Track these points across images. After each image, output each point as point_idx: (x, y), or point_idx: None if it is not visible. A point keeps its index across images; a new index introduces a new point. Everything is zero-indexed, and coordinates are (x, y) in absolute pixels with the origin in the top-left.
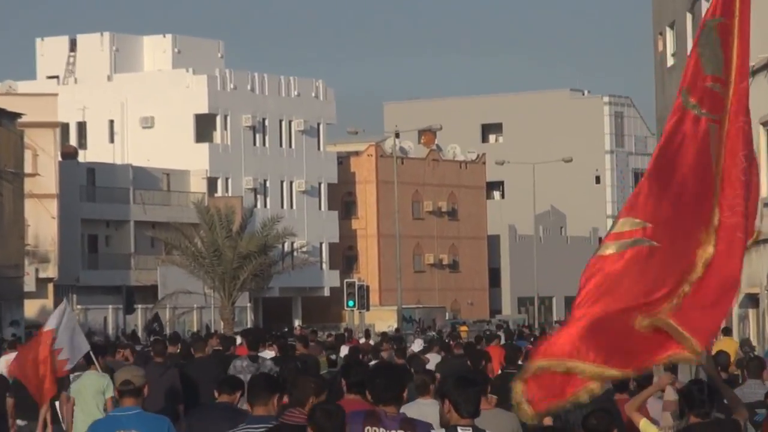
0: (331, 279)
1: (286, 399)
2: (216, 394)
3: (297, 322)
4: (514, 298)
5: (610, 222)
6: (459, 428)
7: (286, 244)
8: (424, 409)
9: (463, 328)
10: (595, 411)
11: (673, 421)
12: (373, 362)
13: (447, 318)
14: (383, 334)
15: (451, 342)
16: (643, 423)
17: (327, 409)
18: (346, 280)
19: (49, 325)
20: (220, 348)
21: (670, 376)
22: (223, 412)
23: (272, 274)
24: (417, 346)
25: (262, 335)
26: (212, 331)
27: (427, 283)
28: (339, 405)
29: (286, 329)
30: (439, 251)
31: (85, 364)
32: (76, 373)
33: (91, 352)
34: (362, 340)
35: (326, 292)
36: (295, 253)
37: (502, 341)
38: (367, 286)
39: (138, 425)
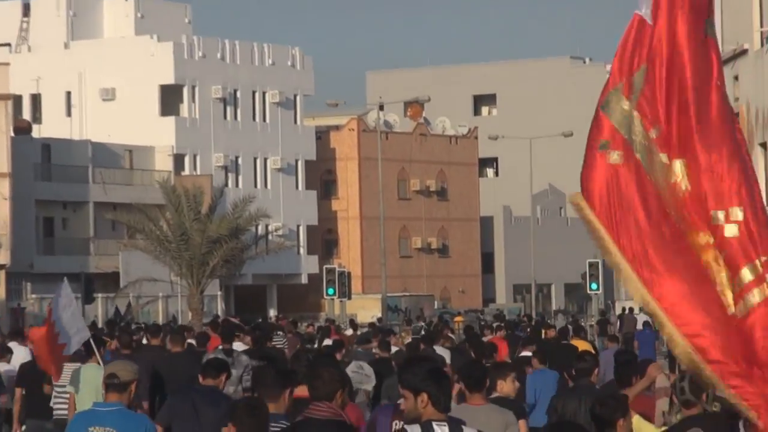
0: (309, 265)
1: (297, 392)
2: (200, 378)
3: (272, 312)
4: (509, 285)
5: None
6: (434, 423)
7: (259, 227)
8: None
9: (459, 318)
10: (603, 398)
11: (667, 407)
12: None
13: (436, 307)
14: (372, 325)
15: (445, 332)
16: (636, 420)
17: (250, 404)
18: (325, 266)
19: (52, 305)
20: (193, 342)
21: (657, 366)
22: (207, 396)
23: (245, 260)
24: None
25: (234, 327)
26: (172, 321)
27: (414, 269)
28: (263, 401)
29: (260, 320)
30: (427, 234)
31: (85, 354)
32: (73, 365)
33: (91, 341)
34: (348, 332)
35: (304, 279)
36: (269, 237)
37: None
38: (349, 273)
39: (115, 423)
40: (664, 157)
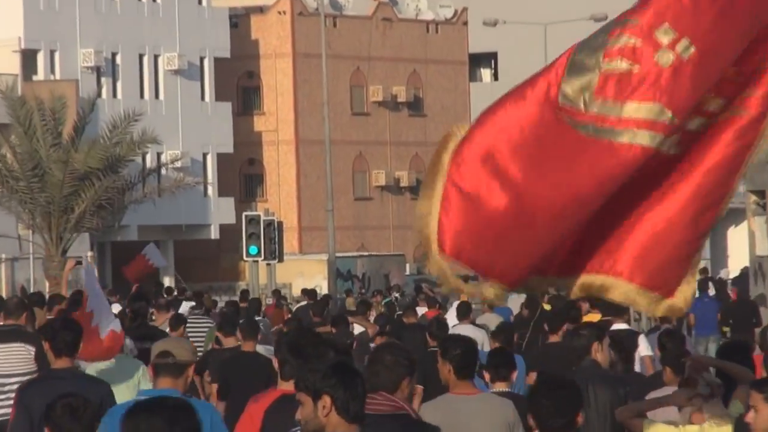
0: (221, 212)
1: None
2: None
3: (168, 281)
4: None
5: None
6: None
7: (148, 157)
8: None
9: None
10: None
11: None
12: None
13: (408, 272)
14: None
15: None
16: (647, 427)
17: (71, 404)
18: (245, 214)
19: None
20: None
21: (690, 393)
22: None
23: (126, 206)
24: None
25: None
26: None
27: (376, 217)
28: (87, 399)
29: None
30: (395, 166)
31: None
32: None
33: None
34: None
35: (214, 233)
36: (163, 171)
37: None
38: (280, 223)
39: None
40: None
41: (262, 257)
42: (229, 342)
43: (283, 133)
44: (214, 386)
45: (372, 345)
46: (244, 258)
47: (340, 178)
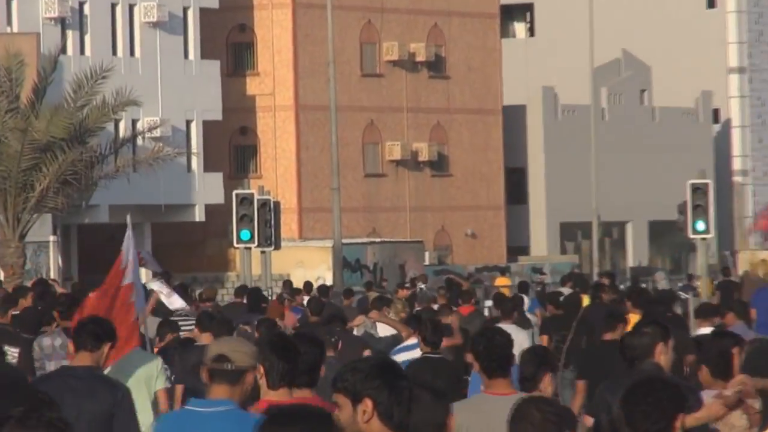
0: (208, 190)
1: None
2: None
3: (144, 274)
4: (552, 224)
5: (732, 78)
6: None
7: (122, 125)
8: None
9: (502, 280)
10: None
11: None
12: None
13: (427, 262)
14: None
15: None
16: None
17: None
18: (235, 192)
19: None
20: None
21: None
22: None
23: (95, 182)
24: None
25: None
26: None
27: (390, 197)
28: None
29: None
30: (412, 137)
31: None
32: None
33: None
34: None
35: (198, 215)
36: (139, 141)
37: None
38: (276, 204)
39: (225, 429)
40: None
41: (256, 243)
42: (204, 339)
43: (281, 98)
44: (179, 388)
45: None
46: (234, 244)
47: (348, 150)
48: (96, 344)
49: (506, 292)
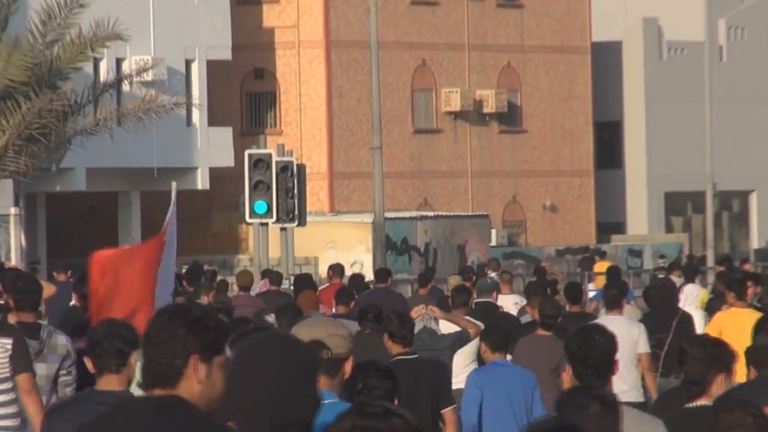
0: (213, 149)
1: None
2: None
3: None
4: (654, 194)
5: None
6: None
7: (103, 65)
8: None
9: (604, 265)
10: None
11: None
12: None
13: (493, 243)
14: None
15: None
16: None
17: None
18: (248, 153)
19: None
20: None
21: None
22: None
23: (69, 139)
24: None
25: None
26: None
27: (447, 159)
28: None
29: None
30: (475, 82)
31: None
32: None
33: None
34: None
35: (201, 182)
36: (125, 87)
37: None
38: (301, 167)
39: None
40: None
41: (274, 218)
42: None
43: (307, 32)
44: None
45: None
46: (247, 219)
47: (393, 99)
48: (122, 362)
49: (601, 280)
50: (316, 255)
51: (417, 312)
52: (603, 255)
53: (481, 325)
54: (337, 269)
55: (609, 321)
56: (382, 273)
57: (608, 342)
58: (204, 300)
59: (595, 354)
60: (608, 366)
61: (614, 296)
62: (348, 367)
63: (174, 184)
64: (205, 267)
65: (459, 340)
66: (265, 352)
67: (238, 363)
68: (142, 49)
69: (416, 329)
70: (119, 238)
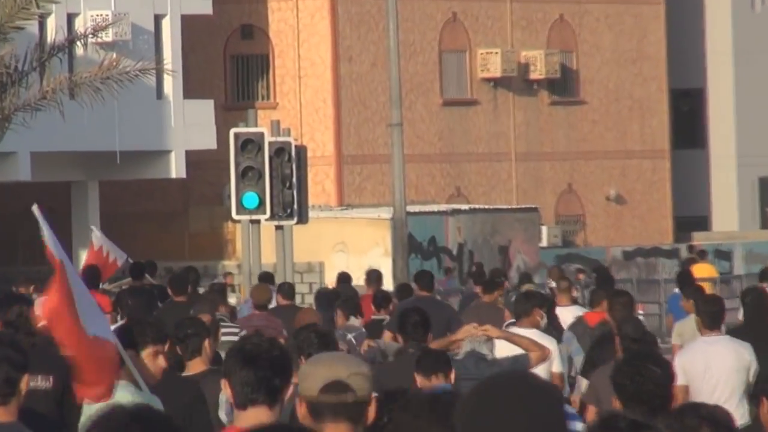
0: (191, 128)
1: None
2: None
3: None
4: (745, 180)
5: None
6: None
7: (50, 23)
8: None
9: (704, 269)
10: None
11: None
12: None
13: (543, 244)
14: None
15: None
16: None
17: None
18: (234, 131)
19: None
20: None
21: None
22: None
23: (9, 115)
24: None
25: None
26: None
27: (484, 138)
28: None
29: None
30: (520, 41)
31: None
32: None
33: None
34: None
35: (176, 169)
36: (79, 50)
37: None
38: (301, 150)
39: None
40: None
41: (267, 214)
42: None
43: None
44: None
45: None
46: (233, 215)
47: (417, 63)
48: (9, 391)
49: (708, 288)
50: (322, 260)
51: (465, 332)
52: (702, 255)
53: (550, 348)
54: (373, 276)
55: (710, 343)
56: (424, 278)
57: (664, 374)
58: (206, 319)
59: (648, 387)
60: (664, 401)
61: (715, 313)
62: (371, 411)
63: (36, 208)
64: (228, 280)
65: (513, 366)
66: (527, 395)
67: (491, 408)
68: (99, 3)
69: (463, 352)
70: (73, 239)
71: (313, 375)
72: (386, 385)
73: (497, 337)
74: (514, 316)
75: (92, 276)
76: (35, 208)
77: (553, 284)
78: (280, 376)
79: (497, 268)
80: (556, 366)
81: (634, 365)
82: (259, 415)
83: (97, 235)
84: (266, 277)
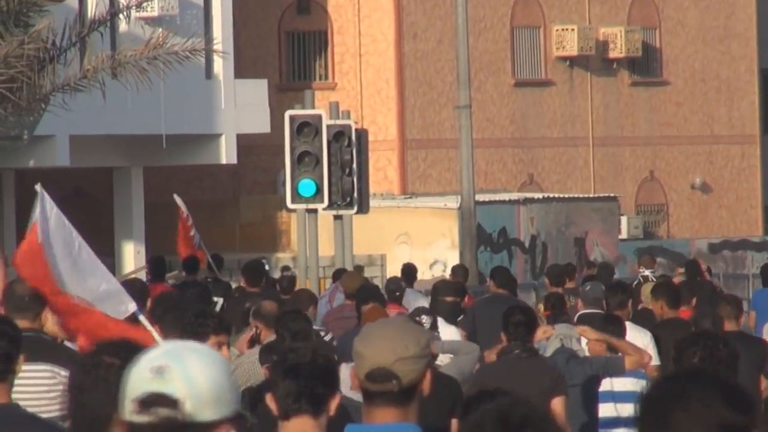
0: (243, 110)
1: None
2: None
3: (133, 247)
4: None
5: None
6: None
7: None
8: None
9: None
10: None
11: None
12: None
13: (625, 234)
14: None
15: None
16: None
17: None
18: (290, 114)
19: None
20: None
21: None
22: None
23: (46, 96)
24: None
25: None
26: None
27: (559, 121)
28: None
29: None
30: (599, 18)
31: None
32: None
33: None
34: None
35: (226, 154)
36: (122, 26)
37: None
38: (362, 134)
39: None
40: None
41: (325, 202)
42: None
43: None
44: None
45: None
46: (288, 204)
47: (487, 41)
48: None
49: None
50: (383, 252)
51: (545, 333)
52: None
53: (649, 355)
54: (459, 271)
55: None
56: (502, 274)
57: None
58: (271, 308)
59: (719, 369)
60: None
61: None
62: (426, 385)
63: (39, 186)
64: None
65: (605, 369)
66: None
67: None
68: None
69: (551, 348)
70: (115, 228)
71: (361, 357)
72: (485, 385)
73: (594, 339)
74: (607, 308)
75: (158, 267)
76: (38, 187)
77: (647, 272)
78: (324, 385)
79: (570, 263)
80: (652, 358)
81: (706, 343)
82: (302, 425)
83: (179, 200)
84: (358, 269)
